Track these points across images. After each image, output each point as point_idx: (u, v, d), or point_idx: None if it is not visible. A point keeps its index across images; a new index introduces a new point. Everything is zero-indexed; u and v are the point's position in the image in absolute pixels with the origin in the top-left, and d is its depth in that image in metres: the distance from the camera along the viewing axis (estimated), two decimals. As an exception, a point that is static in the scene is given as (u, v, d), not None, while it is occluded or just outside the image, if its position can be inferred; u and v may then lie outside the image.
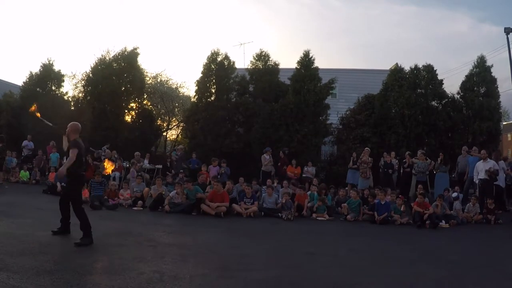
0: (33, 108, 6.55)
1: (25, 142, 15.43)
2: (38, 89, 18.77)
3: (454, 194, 10.76)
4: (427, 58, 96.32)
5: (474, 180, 10.59)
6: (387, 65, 18.64)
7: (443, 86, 16.37)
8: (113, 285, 3.87)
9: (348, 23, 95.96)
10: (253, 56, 17.75)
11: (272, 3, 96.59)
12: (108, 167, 6.53)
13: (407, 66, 16.63)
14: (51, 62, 19.21)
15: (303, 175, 13.38)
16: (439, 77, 16.28)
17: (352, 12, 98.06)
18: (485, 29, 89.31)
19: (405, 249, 6.66)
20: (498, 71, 30.48)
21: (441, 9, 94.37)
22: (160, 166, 14.76)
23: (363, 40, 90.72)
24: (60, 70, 19.43)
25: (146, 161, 14.85)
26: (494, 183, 10.26)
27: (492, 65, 15.90)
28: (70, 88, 21.60)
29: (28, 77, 19.17)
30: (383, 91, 16.28)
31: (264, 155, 13.58)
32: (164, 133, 22.01)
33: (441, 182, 11.61)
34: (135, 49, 18.67)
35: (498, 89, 15.88)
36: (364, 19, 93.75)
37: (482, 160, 10.44)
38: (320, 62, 23.03)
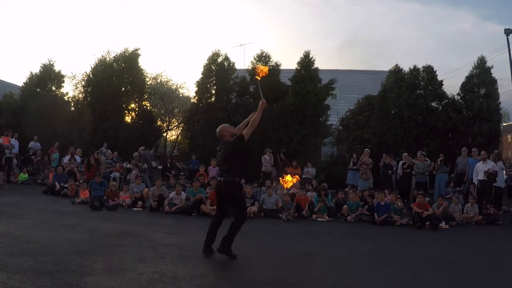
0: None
1: (31, 143, 15.41)
2: (38, 89, 18.82)
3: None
4: (430, 57, 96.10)
5: (474, 181, 10.60)
6: (390, 64, 18.74)
7: (443, 87, 16.44)
8: (113, 285, 3.87)
9: (350, 22, 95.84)
10: (254, 57, 17.80)
11: (273, 2, 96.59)
12: None
13: (409, 65, 16.72)
14: (51, 63, 19.27)
15: (303, 176, 13.39)
16: (442, 77, 16.54)
17: (354, 10, 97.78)
18: (489, 27, 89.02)
19: (404, 250, 6.66)
20: (502, 70, 30.02)
21: (445, 6, 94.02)
22: (160, 167, 14.76)
23: (365, 39, 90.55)
24: (60, 70, 19.51)
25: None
26: (494, 184, 10.27)
27: (492, 66, 16.01)
28: (70, 89, 21.66)
29: (28, 77, 19.23)
30: (382, 92, 16.31)
31: (265, 155, 13.60)
32: (164, 134, 22.02)
33: (441, 183, 11.62)
34: (136, 50, 18.71)
35: (502, 88, 15.98)
36: (366, 17, 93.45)
37: (481, 161, 10.45)
38: (321, 62, 23.07)
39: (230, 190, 5.20)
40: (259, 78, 5.97)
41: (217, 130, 5.46)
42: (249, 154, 5.50)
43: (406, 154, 12.77)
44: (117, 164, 13.83)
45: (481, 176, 10.21)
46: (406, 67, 16.77)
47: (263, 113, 5.45)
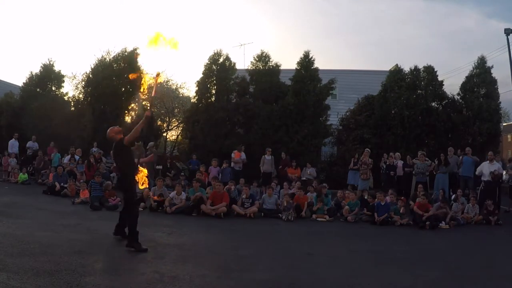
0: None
1: (29, 143, 15.38)
2: (38, 89, 18.82)
3: (452, 197, 10.77)
4: (433, 55, 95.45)
5: (482, 178, 10.57)
6: (392, 63, 18.74)
7: (444, 86, 16.43)
8: (113, 285, 3.87)
9: (352, 20, 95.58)
10: (254, 57, 17.73)
11: (273, 1, 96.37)
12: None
13: (410, 65, 16.73)
14: (51, 63, 19.26)
15: (304, 178, 13.37)
16: (445, 75, 16.67)
17: (356, 8, 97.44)
18: (493, 25, 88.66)
19: (405, 250, 6.66)
20: (504, 70, 29.53)
21: (448, 4, 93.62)
22: (160, 167, 14.76)
23: (366, 38, 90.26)
24: (60, 70, 19.49)
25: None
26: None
27: (492, 66, 15.95)
28: (70, 89, 21.67)
29: (28, 77, 19.22)
30: (382, 92, 16.32)
31: (265, 155, 13.60)
32: (164, 134, 22.01)
33: (440, 183, 11.61)
34: (136, 49, 18.67)
35: (504, 88, 15.91)
36: (369, 15, 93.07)
37: (488, 162, 10.48)
38: (322, 61, 23.17)
39: (120, 185, 5.76)
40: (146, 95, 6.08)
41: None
42: (129, 154, 5.89)
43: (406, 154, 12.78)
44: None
45: (486, 177, 10.24)
46: (407, 66, 16.79)
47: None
